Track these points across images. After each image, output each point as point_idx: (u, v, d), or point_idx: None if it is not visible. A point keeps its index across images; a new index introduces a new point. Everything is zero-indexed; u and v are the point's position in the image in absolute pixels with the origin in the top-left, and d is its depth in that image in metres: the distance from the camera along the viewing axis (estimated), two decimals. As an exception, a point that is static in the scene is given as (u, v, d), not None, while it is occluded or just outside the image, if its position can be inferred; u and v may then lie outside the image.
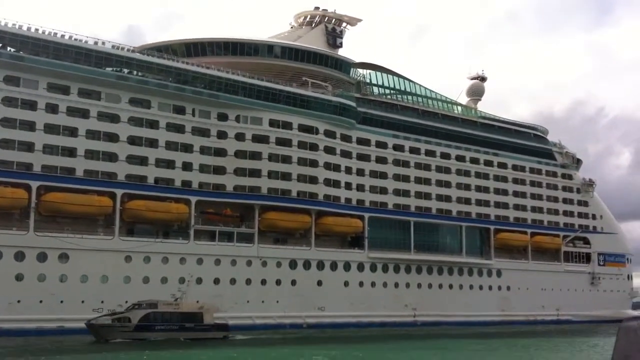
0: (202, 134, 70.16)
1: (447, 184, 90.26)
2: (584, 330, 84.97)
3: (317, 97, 77.63)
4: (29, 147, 59.77)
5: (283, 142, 74.42)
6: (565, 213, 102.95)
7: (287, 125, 74.99)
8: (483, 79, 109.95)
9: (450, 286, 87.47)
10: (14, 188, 58.17)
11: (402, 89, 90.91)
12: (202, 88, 69.82)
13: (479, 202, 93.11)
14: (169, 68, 67.89)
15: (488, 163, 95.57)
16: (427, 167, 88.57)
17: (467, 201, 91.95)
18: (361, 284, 79.17)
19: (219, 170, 70.48)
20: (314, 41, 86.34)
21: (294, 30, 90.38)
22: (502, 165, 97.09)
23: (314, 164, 76.49)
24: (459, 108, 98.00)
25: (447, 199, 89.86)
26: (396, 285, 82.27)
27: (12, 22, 60.54)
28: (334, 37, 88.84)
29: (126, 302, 60.64)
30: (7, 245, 57.26)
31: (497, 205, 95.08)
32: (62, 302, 58.99)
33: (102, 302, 60.70)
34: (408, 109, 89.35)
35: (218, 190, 70.11)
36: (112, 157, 64.19)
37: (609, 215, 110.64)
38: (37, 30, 61.34)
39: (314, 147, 76.86)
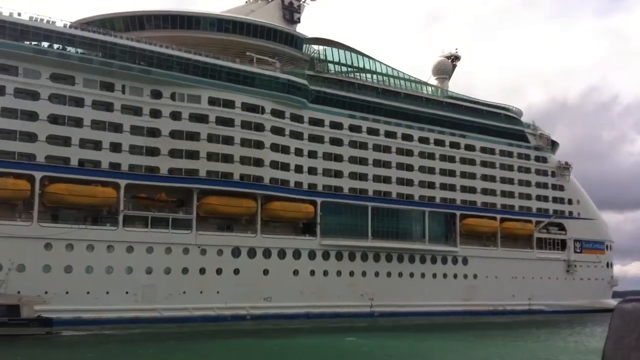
0: (133, 113, 65.41)
1: (409, 167, 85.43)
2: (554, 322, 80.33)
3: (262, 74, 72.77)
4: None
5: (224, 121, 69.62)
6: (539, 198, 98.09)
7: (228, 104, 70.15)
8: (457, 57, 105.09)
9: (412, 275, 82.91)
10: None
11: (361, 66, 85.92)
12: (133, 63, 64.99)
13: (444, 186, 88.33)
14: (94, 41, 63.01)
15: (454, 145, 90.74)
16: (386, 149, 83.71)
17: (431, 185, 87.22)
18: (312, 272, 74.62)
19: (153, 152, 65.80)
20: (268, 16, 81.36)
21: (248, 5, 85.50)
22: (469, 148, 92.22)
23: (259, 145, 71.76)
24: (427, 88, 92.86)
25: (409, 182, 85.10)
26: (351, 274, 77.73)
27: None
28: (291, 12, 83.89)
29: (46, 292, 56.47)
30: None
31: (464, 189, 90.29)
32: None
33: (19, 292, 56.21)
34: (367, 88, 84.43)
35: (151, 174, 65.43)
36: (31, 137, 59.50)
37: (587, 201, 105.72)
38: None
39: (259, 127, 72.09)
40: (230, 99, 70.12)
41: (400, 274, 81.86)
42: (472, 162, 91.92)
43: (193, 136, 67.72)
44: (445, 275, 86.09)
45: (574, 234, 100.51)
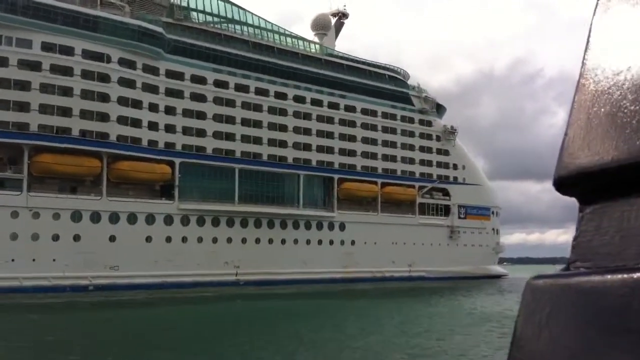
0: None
1: (283, 128, 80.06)
2: (437, 288, 77.44)
3: (107, 18, 65.29)
4: None
5: (61, 70, 61.99)
6: (422, 162, 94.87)
7: (67, 51, 62.50)
8: (344, 15, 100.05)
9: (283, 241, 78.01)
10: None
11: (230, 16, 79.35)
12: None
13: (321, 149, 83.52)
14: None
15: (333, 105, 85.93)
16: (257, 108, 77.97)
17: (307, 147, 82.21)
18: (169, 239, 68.39)
19: (-28, 103, 57.77)
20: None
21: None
22: (349, 109, 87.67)
23: (104, 98, 64.57)
24: (306, 44, 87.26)
25: (282, 144, 79.81)
26: (214, 240, 71.99)
27: None
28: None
29: None
30: None
31: (343, 152, 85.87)
32: None
33: None
34: (236, 40, 78.07)
35: (-31, 127, 57.41)
36: None
37: (473, 166, 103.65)
38: None
39: (104, 77, 64.82)
40: (69, 45, 62.52)
41: (270, 241, 76.79)
42: (352, 124, 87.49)
43: (24, 85, 59.83)
44: (320, 242, 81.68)
45: (458, 200, 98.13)
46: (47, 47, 61.27)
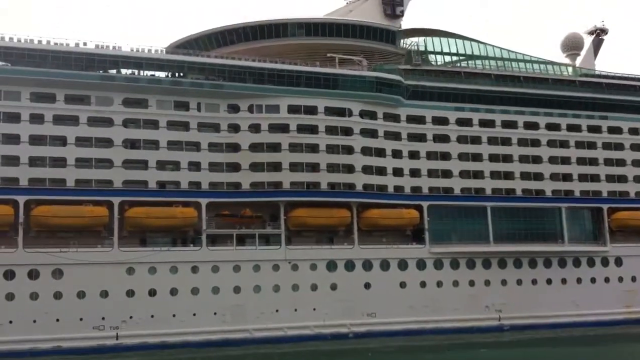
0: (211, 129, 64.11)
1: (537, 159, 75.25)
2: None
3: (346, 75, 68.09)
4: (14, 160, 57.71)
5: (307, 129, 65.99)
6: None
7: (311, 110, 66.41)
8: (602, 31, 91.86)
9: (549, 281, 72.24)
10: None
11: (469, 53, 77.57)
12: (204, 79, 63.96)
13: (584, 177, 76.52)
14: (160, 61, 62.89)
15: (594, 129, 78.52)
16: (505, 142, 74.51)
17: (567, 177, 75.95)
18: (423, 284, 67.52)
19: (233, 167, 63.89)
20: (368, 13, 76.65)
21: (348, 5, 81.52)
22: (614, 130, 79.32)
23: (349, 150, 67.03)
24: (555, 67, 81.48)
25: (538, 177, 74.85)
26: (471, 283, 69.33)
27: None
28: (393, 6, 77.44)
29: (130, 317, 56.58)
30: (-1, 264, 55.18)
31: (611, 179, 77.61)
32: (57, 320, 55.64)
33: (103, 318, 56.80)
34: (477, 76, 75.95)
35: (233, 190, 63.44)
36: (107, 163, 60.31)
37: None
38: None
39: (347, 131, 67.39)
40: (312, 104, 66.38)
41: (534, 281, 71.68)
42: (619, 146, 78.95)
43: (275, 147, 64.82)
44: (593, 280, 73.96)
45: None
46: (293, 109, 65.77)
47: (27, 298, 55.31)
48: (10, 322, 54.46)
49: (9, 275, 55.32)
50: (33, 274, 55.80)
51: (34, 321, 54.89)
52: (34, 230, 57.40)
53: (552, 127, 76.70)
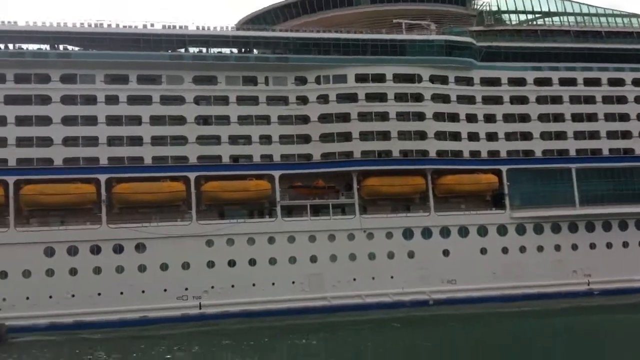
0: (281, 102, 64.68)
1: (624, 117, 71.28)
2: None
3: (413, 40, 66.83)
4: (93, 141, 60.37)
5: (376, 97, 65.34)
6: None
7: (379, 78, 65.67)
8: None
9: (644, 243, 68.29)
10: (82, 184, 58.85)
11: (546, 10, 74.27)
12: (270, 53, 64.56)
13: None
14: (226, 38, 63.87)
15: (691, 82, 73.42)
16: (589, 100, 70.94)
17: (660, 135, 71.51)
18: (505, 250, 65.44)
19: (304, 139, 64.17)
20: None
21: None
22: None
23: (420, 116, 65.82)
24: (637, 20, 76.69)
25: (626, 135, 70.97)
26: (557, 248, 66.56)
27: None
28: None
29: (212, 287, 58.31)
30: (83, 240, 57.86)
31: None
32: (143, 292, 57.84)
33: (186, 289, 58.58)
34: (555, 33, 72.70)
35: (305, 161, 63.78)
36: (182, 140, 62.01)
37: None
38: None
39: (418, 97, 66.19)
40: (380, 72, 65.60)
41: (625, 244, 68.01)
42: None
43: (344, 117, 64.60)
44: (695, 240, 69.24)
45: None
46: (360, 78, 65.24)
47: (114, 271, 57.76)
48: (99, 294, 57.01)
49: (95, 250, 57.92)
50: (118, 249, 58.22)
51: (121, 293, 57.24)
52: (117, 207, 59.81)
53: (639, 82, 72.44)
